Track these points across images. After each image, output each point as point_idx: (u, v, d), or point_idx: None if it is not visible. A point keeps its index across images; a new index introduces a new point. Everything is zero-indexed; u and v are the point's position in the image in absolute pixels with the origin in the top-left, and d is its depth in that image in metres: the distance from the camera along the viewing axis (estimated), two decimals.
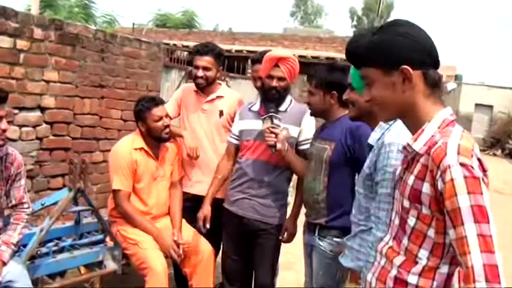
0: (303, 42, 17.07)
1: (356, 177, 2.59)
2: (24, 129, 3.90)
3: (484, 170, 1.42)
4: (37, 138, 4.03)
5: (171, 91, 7.01)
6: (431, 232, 1.49)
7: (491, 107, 29.17)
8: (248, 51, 14.19)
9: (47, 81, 4.02)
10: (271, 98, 3.17)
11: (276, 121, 3.06)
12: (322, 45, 16.83)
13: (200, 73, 3.58)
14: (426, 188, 1.47)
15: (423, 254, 1.51)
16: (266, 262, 3.30)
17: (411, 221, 1.54)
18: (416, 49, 1.52)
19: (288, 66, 3.15)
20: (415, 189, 1.50)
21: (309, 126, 3.27)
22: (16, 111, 3.81)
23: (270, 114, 3.08)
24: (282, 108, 3.23)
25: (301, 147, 3.21)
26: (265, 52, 3.44)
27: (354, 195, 2.49)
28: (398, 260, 1.58)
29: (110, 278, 3.67)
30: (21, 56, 3.78)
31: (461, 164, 1.38)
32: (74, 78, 4.25)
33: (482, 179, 1.39)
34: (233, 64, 9.73)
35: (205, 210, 3.36)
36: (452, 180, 1.37)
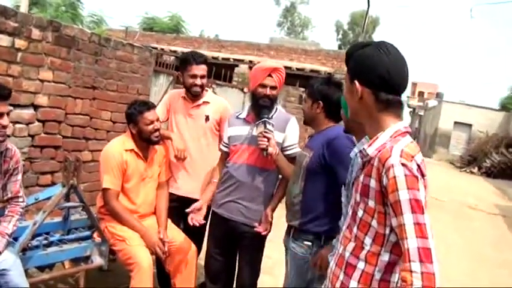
0: (288, 53, 17.31)
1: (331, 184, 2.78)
2: (17, 126, 4.02)
3: (422, 175, 1.67)
4: (29, 135, 4.14)
5: (159, 96, 7.14)
6: (374, 223, 1.76)
7: (470, 125, 29.70)
8: (235, 60, 14.38)
9: (42, 81, 4.14)
10: (263, 105, 3.35)
11: (269, 126, 3.24)
12: (307, 57, 17.07)
13: (199, 81, 3.75)
14: (373, 183, 1.73)
15: (368, 241, 1.77)
16: (250, 263, 3.46)
17: (360, 213, 1.81)
18: (370, 71, 1.77)
19: (279, 76, 3.38)
20: (364, 184, 1.77)
21: (292, 132, 3.45)
22: (11, 108, 3.90)
23: (264, 119, 3.25)
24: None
25: (286, 153, 3.39)
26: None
27: (328, 201, 2.71)
28: (350, 246, 1.84)
29: (93, 274, 3.79)
30: (19, 54, 3.90)
31: (403, 164, 1.63)
32: (68, 78, 4.38)
33: (420, 179, 1.64)
34: (220, 72, 9.88)
35: (199, 204, 3.52)
36: (394, 177, 1.63)
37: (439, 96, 35.35)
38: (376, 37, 49.37)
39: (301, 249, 2.94)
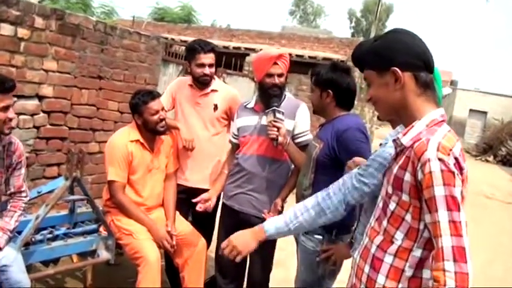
0: (300, 42, 17.09)
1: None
2: (21, 117, 3.93)
3: (460, 168, 1.58)
4: (34, 126, 4.06)
5: (168, 85, 7.03)
6: (408, 217, 1.67)
7: (485, 113, 29.33)
8: (246, 49, 14.23)
9: (46, 71, 4.05)
10: (273, 95, 3.22)
11: (278, 115, 3.11)
12: (319, 46, 16.86)
13: (207, 70, 3.63)
14: (407, 177, 1.64)
15: (399, 235, 1.69)
16: (261, 257, 3.33)
17: (392, 206, 1.72)
18: (406, 53, 1.69)
19: (284, 61, 3.25)
20: (398, 177, 1.68)
21: (303, 119, 3.32)
22: (15, 99, 3.82)
23: (273, 108, 3.13)
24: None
25: (297, 140, 3.26)
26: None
27: None
28: (378, 239, 1.76)
29: (101, 268, 3.71)
30: (22, 44, 3.81)
31: (439, 159, 1.54)
32: (73, 68, 4.28)
33: (458, 175, 1.55)
34: (231, 61, 9.74)
35: (209, 193, 3.46)
36: (430, 172, 1.54)
37: (453, 83, 35.00)
38: (390, 24, 48.94)
39: (311, 243, 2.83)
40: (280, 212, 3.25)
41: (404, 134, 1.70)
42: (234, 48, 14.53)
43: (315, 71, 2.99)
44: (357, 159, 2.43)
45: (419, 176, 1.58)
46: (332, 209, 2.15)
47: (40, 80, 4.01)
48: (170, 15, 25.24)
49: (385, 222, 1.75)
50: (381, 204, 1.81)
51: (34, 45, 3.90)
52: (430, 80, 1.72)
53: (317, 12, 54.44)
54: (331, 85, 2.86)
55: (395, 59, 1.69)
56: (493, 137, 24.96)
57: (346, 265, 2.81)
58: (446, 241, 1.51)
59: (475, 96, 30.09)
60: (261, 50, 12.86)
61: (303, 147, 3.20)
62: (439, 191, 1.53)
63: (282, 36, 17.96)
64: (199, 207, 3.42)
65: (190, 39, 17.01)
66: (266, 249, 3.35)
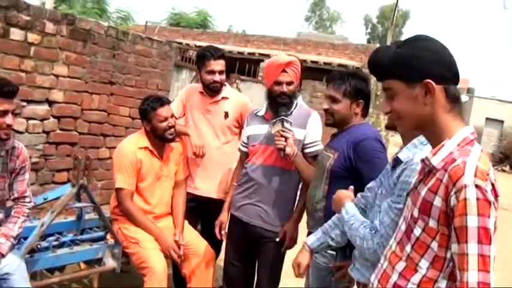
0: (315, 48, 17.01)
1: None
2: (31, 122, 3.92)
3: (496, 195, 1.47)
4: (44, 131, 4.04)
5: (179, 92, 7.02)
6: (434, 245, 1.54)
7: (501, 121, 28.98)
8: (260, 54, 14.20)
9: (57, 76, 4.04)
10: (282, 103, 3.14)
11: (286, 125, 3.03)
12: (335, 52, 16.77)
13: (217, 77, 3.57)
14: (438, 201, 1.50)
15: (424, 263, 1.56)
16: (269, 270, 3.26)
17: (417, 231, 1.58)
18: (439, 64, 1.56)
19: (294, 69, 3.15)
20: (426, 200, 1.54)
21: (314, 128, 3.23)
22: (24, 103, 3.82)
23: (281, 117, 3.05)
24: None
25: (307, 150, 3.17)
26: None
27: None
28: (400, 266, 1.63)
29: (108, 276, 3.66)
30: (32, 49, 3.79)
31: (476, 186, 1.42)
32: (84, 73, 4.26)
33: (494, 204, 1.44)
34: (245, 67, 9.70)
35: (223, 217, 3.41)
36: (465, 199, 1.42)
37: (470, 91, 34.57)
38: (406, 31, 48.67)
39: (323, 259, 2.69)
40: (295, 240, 3.18)
41: (434, 154, 1.57)
42: (248, 54, 14.51)
43: (337, 81, 2.82)
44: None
45: (452, 202, 1.45)
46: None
47: (50, 85, 4.00)
48: (186, 20, 25.36)
49: (408, 248, 1.62)
50: (403, 227, 1.68)
51: (44, 50, 3.88)
52: (459, 94, 1.60)
53: (333, 18, 54.35)
54: (362, 95, 2.78)
55: (428, 70, 1.55)
56: (509, 146, 24.65)
57: None
58: (472, 276, 1.40)
59: (491, 105, 29.72)
60: (275, 56, 12.81)
61: (313, 157, 3.12)
62: (472, 222, 1.41)
63: (297, 42, 17.91)
64: (218, 234, 3.42)
65: (205, 44, 17.02)
66: (275, 261, 3.28)
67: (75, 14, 4.35)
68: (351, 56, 16.54)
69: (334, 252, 2.65)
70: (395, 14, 15.92)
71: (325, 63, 13.35)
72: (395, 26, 20.54)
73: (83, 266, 3.46)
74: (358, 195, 2.38)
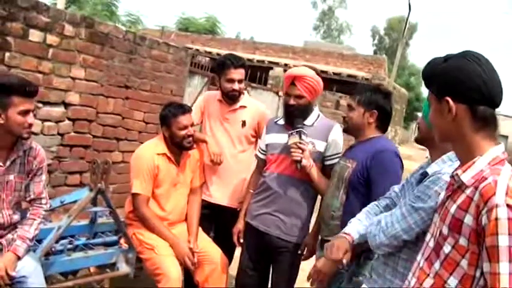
0: (324, 57, 17.06)
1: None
2: (46, 123, 3.91)
3: None
4: (58, 133, 4.03)
5: (193, 97, 7.00)
6: (464, 263, 1.53)
7: (506, 137, 28.95)
8: (270, 62, 14.21)
9: (73, 78, 4.03)
10: (290, 115, 3.15)
11: (303, 137, 3.02)
12: (343, 62, 16.81)
13: (236, 86, 3.56)
14: (468, 219, 1.51)
15: (452, 281, 1.56)
16: (284, 279, 3.23)
17: (446, 248, 1.59)
18: (464, 83, 1.56)
19: (305, 84, 3.10)
20: (456, 218, 1.55)
21: (336, 141, 3.20)
22: (40, 105, 3.81)
23: (298, 129, 3.04)
24: (308, 122, 3.17)
25: (328, 163, 3.15)
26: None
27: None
28: (428, 283, 1.63)
29: (119, 280, 3.63)
30: (50, 51, 3.79)
31: (508, 206, 1.42)
32: (100, 77, 4.25)
33: None
34: (254, 74, 9.69)
35: (240, 225, 3.40)
36: (497, 219, 1.42)
37: None
38: (413, 43, 48.68)
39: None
40: (314, 251, 3.15)
41: (464, 171, 1.57)
42: (257, 61, 14.52)
43: (360, 90, 2.93)
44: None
45: (484, 221, 1.45)
46: None
47: (67, 87, 3.99)
48: (195, 25, 25.46)
49: (437, 265, 1.62)
50: (431, 244, 1.68)
51: (63, 52, 3.87)
52: (491, 115, 1.58)
53: (341, 29, 54.42)
54: (376, 106, 2.81)
55: (451, 88, 1.59)
56: None
57: None
58: None
59: None
60: (284, 64, 12.81)
61: (330, 170, 3.09)
62: (504, 241, 1.41)
63: (306, 51, 17.95)
64: (236, 242, 3.44)
65: (214, 50, 17.09)
66: (290, 270, 3.25)
67: (85, 15, 4.33)
68: (359, 67, 16.58)
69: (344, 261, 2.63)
70: (406, 27, 15.90)
71: (334, 73, 13.34)
72: (404, 37, 20.50)
73: (93, 269, 3.43)
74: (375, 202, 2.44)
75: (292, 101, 3.12)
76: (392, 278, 2.14)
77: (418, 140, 2.34)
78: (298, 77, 3.11)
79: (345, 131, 3.02)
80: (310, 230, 3.23)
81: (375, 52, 47.53)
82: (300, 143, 3.01)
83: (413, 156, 22.05)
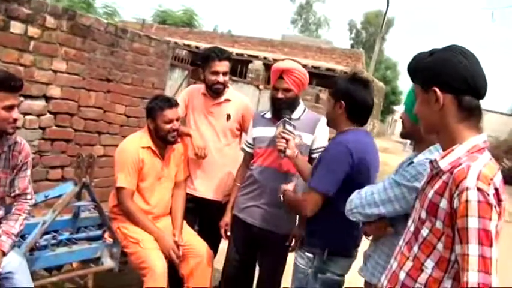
0: (303, 51, 17.08)
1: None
2: (27, 117, 3.86)
3: (499, 200, 1.51)
4: (40, 127, 3.98)
5: (174, 90, 6.97)
6: (440, 246, 1.60)
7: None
8: (249, 55, 14.18)
9: (55, 71, 3.98)
10: (278, 108, 3.15)
11: (289, 127, 3.01)
12: (321, 56, 16.86)
13: (221, 78, 3.55)
14: (443, 203, 1.57)
15: (429, 263, 1.62)
16: (271, 271, 3.26)
17: (424, 232, 1.65)
18: (451, 74, 1.62)
19: (293, 77, 3.11)
20: (433, 202, 1.61)
21: (322, 134, 3.23)
22: (22, 98, 3.75)
23: (284, 119, 3.05)
24: (295, 115, 3.18)
25: (314, 155, 3.16)
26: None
27: (335, 212, 2.47)
28: (407, 266, 1.69)
29: (103, 275, 3.61)
30: (32, 43, 3.74)
31: (478, 189, 1.47)
32: (82, 70, 4.21)
33: (495, 207, 1.48)
34: (234, 67, 9.69)
35: (227, 218, 3.40)
36: (467, 201, 1.48)
37: None
38: (390, 38, 49.09)
39: (302, 261, 2.69)
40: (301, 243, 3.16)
41: (442, 157, 1.63)
42: (237, 54, 14.48)
43: (334, 81, 2.85)
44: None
45: (455, 203, 1.51)
46: None
47: (48, 80, 3.94)
48: (172, 18, 25.24)
49: (415, 248, 1.68)
50: (412, 228, 1.74)
51: (44, 44, 3.82)
52: (476, 106, 1.64)
53: (319, 23, 54.56)
54: (344, 96, 2.66)
55: (438, 79, 1.63)
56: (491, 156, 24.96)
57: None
58: (472, 277, 1.45)
59: None
60: (264, 57, 12.77)
61: None
62: (473, 223, 1.46)
63: (284, 44, 17.96)
64: (224, 235, 3.43)
65: (193, 43, 16.97)
66: (278, 262, 3.28)
67: (74, 9, 4.29)
68: (337, 61, 16.65)
69: (311, 255, 2.65)
70: (384, 21, 16.01)
71: (313, 67, 13.39)
72: (381, 32, 20.65)
73: (75, 265, 3.40)
74: None
75: (280, 95, 3.12)
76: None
77: (403, 135, 2.37)
78: (286, 70, 3.12)
79: (327, 124, 2.99)
80: (297, 222, 3.25)
81: (352, 46, 47.80)
82: (283, 132, 2.98)
83: (390, 149, 22.36)
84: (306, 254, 2.67)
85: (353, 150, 2.52)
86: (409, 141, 19.92)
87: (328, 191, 2.52)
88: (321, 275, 2.62)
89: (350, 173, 2.51)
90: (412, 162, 2.14)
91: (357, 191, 2.27)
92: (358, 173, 2.52)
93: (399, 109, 40.66)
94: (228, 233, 3.40)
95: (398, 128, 58.32)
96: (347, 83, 2.72)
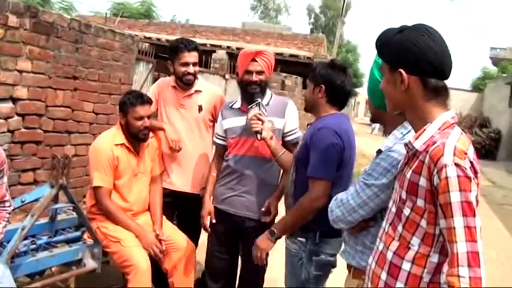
0: (264, 38, 17.07)
1: None
2: None
3: (475, 172, 1.58)
4: (8, 130, 3.85)
5: (139, 84, 6.88)
6: (423, 222, 1.66)
7: None
8: (212, 45, 14.09)
9: (20, 71, 3.85)
10: (252, 93, 3.14)
11: (263, 109, 3.04)
12: (283, 42, 16.89)
13: (191, 69, 3.52)
14: (423, 181, 1.62)
15: (415, 241, 1.68)
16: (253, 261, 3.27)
17: (406, 211, 1.70)
18: (416, 56, 1.66)
19: (265, 59, 3.17)
20: (412, 182, 1.66)
21: (292, 116, 3.28)
22: None
23: (257, 102, 3.06)
24: (264, 101, 3.20)
25: (288, 138, 3.23)
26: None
27: None
28: (394, 246, 1.74)
29: (84, 276, 3.56)
30: None
31: (456, 164, 1.54)
32: (48, 68, 4.09)
33: (473, 179, 1.55)
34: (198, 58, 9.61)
35: (208, 206, 3.38)
36: (447, 178, 1.54)
37: None
38: (348, 20, 49.45)
39: (294, 246, 2.73)
40: (275, 215, 3.18)
41: (416, 138, 1.68)
42: (199, 44, 14.37)
43: (312, 67, 2.90)
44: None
45: (436, 181, 1.57)
46: None
47: (14, 81, 3.81)
48: (129, 10, 24.88)
49: (400, 228, 1.73)
50: (394, 209, 1.79)
51: (8, 44, 3.69)
52: (442, 87, 1.70)
53: (279, 9, 54.58)
54: (324, 81, 2.72)
55: (403, 60, 1.68)
56: None
57: (337, 271, 2.76)
58: (461, 247, 1.51)
59: None
60: (227, 47, 12.74)
61: (294, 144, 3.14)
62: (455, 197, 1.53)
63: (246, 32, 17.91)
64: (207, 228, 3.41)
65: (153, 35, 16.76)
66: None
67: (36, 6, 4.15)
68: (299, 46, 16.70)
69: (304, 239, 2.68)
70: (344, 5, 16.12)
71: (277, 54, 13.38)
72: (338, 16, 20.78)
73: (54, 269, 3.33)
74: None
75: (255, 77, 3.14)
76: (365, 249, 2.20)
77: (371, 120, 2.43)
78: (258, 52, 3.16)
79: (304, 109, 2.98)
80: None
81: (312, 31, 47.99)
82: (259, 114, 3.02)
83: (356, 132, 22.62)
84: (298, 239, 2.70)
85: (340, 134, 2.59)
86: (378, 125, 20.15)
87: (331, 175, 2.55)
88: (315, 257, 2.66)
89: (341, 156, 2.58)
90: (379, 150, 2.17)
91: (334, 198, 2.29)
92: (346, 155, 2.61)
93: (361, 91, 41.20)
94: (213, 221, 3.36)
95: (361, 109, 58.73)
96: (326, 67, 2.79)
